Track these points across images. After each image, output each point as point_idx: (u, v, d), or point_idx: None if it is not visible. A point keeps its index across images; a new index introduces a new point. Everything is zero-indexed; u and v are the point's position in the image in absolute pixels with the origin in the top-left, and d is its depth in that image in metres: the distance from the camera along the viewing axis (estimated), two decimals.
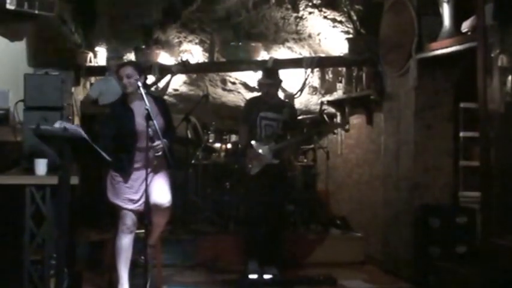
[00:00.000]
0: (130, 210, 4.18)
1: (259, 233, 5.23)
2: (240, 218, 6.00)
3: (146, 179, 3.96)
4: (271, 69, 5.67)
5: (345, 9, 6.51)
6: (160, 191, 4.19)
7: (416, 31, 5.15)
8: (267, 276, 5.02)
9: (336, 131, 6.68)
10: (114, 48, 6.81)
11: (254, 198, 5.28)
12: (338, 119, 6.93)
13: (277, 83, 5.40)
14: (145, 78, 4.45)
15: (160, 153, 4.08)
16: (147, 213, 4.00)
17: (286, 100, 6.29)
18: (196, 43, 7.04)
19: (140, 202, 4.16)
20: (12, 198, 3.73)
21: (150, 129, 3.94)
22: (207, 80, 7.22)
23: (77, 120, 6.22)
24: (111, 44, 6.93)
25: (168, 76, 6.21)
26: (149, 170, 3.99)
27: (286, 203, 5.86)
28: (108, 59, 6.41)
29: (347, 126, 6.10)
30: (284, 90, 6.98)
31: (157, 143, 4.03)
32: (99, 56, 6.98)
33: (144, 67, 4.80)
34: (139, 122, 4.13)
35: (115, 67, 5.08)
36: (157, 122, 3.95)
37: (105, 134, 4.18)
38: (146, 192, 3.99)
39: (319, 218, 6.46)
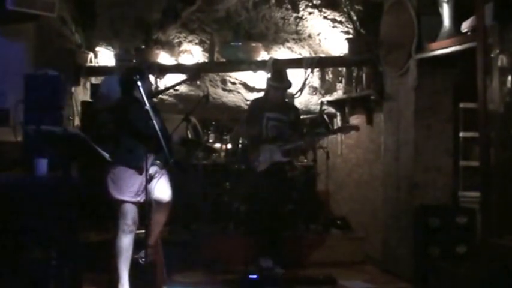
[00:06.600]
0: (134, 203, 4.20)
1: (270, 229, 5.24)
2: (247, 215, 5.94)
3: (146, 176, 4.01)
4: (280, 72, 5.61)
5: (345, 10, 6.51)
6: (161, 187, 4.26)
7: (416, 31, 5.15)
8: (268, 276, 5.03)
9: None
10: (124, 49, 6.81)
11: (259, 196, 5.27)
12: (338, 119, 6.93)
13: (287, 86, 5.43)
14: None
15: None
16: (147, 212, 4.03)
17: (286, 100, 6.29)
18: (196, 43, 7.04)
19: (142, 194, 4.20)
20: (12, 198, 3.74)
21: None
22: (207, 80, 7.22)
23: (77, 121, 6.23)
24: (116, 45, 6.92)
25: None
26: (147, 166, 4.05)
27: (286, 202, 5.85)
28: (119, 61, 6.42)
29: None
30: None
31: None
32: (100, 56, 6.99)
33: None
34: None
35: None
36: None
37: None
38: (146, 189, 4.03)
39: (319, 218, 6.46)
